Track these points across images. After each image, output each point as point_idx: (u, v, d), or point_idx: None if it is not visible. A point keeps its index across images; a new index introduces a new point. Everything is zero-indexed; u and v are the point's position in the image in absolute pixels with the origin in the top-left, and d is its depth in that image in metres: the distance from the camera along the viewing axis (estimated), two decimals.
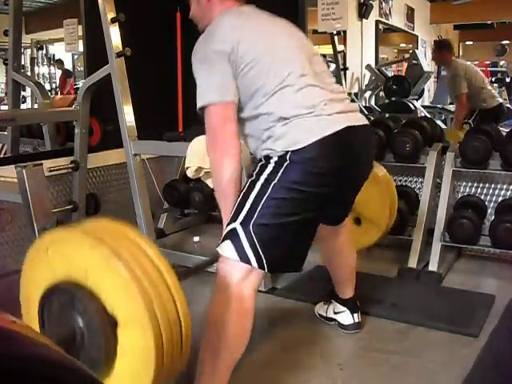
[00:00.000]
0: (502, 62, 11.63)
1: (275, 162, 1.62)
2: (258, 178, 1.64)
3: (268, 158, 1.65)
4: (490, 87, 4.82)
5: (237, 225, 1.61)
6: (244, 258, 1.60)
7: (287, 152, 1.60)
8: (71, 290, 1.28)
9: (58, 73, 5.54)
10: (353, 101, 5.60)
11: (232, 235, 1.62)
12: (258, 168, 1.67)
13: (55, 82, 5.66)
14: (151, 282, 1.23)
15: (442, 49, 4.84)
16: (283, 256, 1.69)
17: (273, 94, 1.64)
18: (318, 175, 1.62)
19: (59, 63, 5.39)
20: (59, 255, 1.31)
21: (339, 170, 1.67)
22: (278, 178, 1.60)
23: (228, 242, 1.62)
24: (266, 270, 1.66)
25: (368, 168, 1.89)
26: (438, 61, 5.15)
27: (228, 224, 1.65)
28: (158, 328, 1.20)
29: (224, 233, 1.66)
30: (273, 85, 1.64)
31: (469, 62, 5.03)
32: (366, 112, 5.62)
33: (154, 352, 1.19)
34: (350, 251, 2.23)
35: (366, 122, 1.80)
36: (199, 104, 1.68)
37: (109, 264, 1.22)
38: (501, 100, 4.90)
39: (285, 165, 1.60)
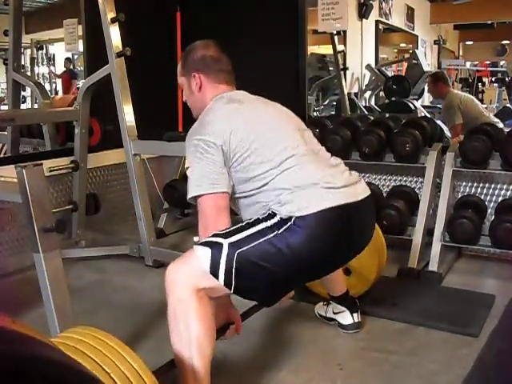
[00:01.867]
0: (502, 62, 11.63)
1: (281, 218, 1.63)
2: (264, 220, 1.65)
3: (274, 213, 1.65)
4: (487, 115, 4.71)
5: (225, 242, 1.59)
6: (214, 272, 1.57)
7: (291, 217, 1.61)
8: None
9: (60, 72, 5.53)
10: (352, 101, 5.61)
11: (215, 247, 1.59)
12: (265, 214, 1.67)
13: (55, 82, 5.65)
14: None
15: (437, 81, 4.80)
16: (253, 291, 1.67)
17: (275, 177, 1.67)
18: (319, 242, 1.63)
19: (67, 61, 5.38)
20: None
21: (339, 241, 1.69)
22: (281, 231, 1.60)
23: (207, 250, 1.59)
24: (232, 292, 1.64)
25: (366, 240, 1.89)
26: (434, 93, 5.11)
27: (216, 235, 1.63)
28: None
29: (208, 239, 1.63)
30: (273, 170, 1.68)
31: (464, 93, 5.00)
32: (366, 112, 5.62)
33: None
34: None
35: (367, 192, 1.82)
36: (191, 194, 1.70)
37: None
38: (501, 125, 4.63)
39: (288, 224, 1.61)
